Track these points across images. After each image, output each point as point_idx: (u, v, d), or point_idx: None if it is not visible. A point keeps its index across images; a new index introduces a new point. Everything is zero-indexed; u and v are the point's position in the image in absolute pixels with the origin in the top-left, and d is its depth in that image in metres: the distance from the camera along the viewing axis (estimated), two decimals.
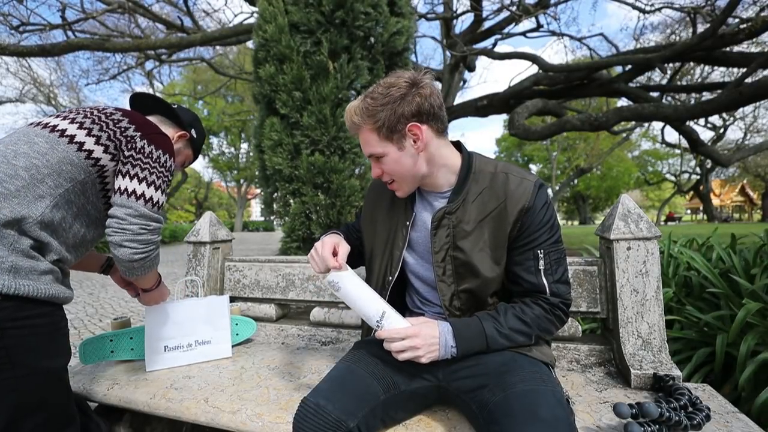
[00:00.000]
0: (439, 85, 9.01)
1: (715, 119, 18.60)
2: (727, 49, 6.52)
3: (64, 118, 1.03)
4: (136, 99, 1.27)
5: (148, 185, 1.03)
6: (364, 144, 0.99)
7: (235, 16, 10.06)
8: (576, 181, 32.97)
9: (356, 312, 0.99)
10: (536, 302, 0.97)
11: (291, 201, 2.89)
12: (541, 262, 0.96)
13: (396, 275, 1.08)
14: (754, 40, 6.88)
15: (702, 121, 16.94)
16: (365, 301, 0.97)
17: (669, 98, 10.65)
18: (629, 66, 7.25)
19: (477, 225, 0.98)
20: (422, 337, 0.91)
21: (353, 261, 1.19)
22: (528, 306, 0.97)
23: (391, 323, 0.94)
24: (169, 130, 1.24)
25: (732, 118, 19.32)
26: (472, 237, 0.98)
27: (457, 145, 1.07)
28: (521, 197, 0.95)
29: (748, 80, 5.72)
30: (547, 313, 0.96)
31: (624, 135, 15.76)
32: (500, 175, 0.99)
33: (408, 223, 1.07)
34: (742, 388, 1.50)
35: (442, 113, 0.97)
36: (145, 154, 1.04)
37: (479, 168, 1.01)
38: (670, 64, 8.09)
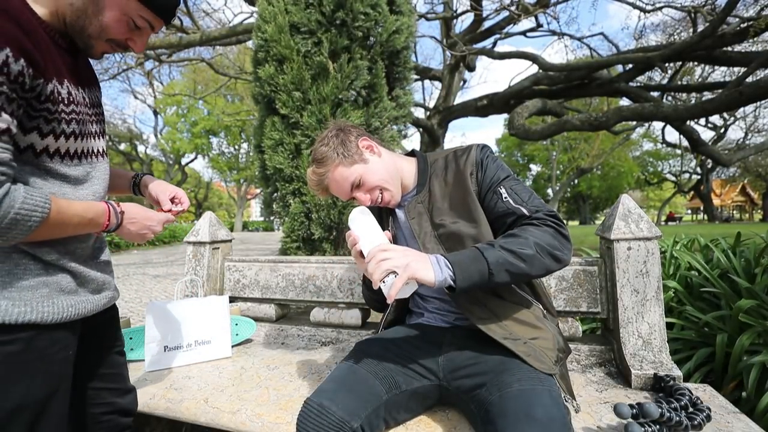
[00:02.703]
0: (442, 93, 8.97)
1: (715, 119, 18.62)
2: (728, 48, 6.52)
3: None
4: None
5: None
6: (339, 183, 1.08)
7: (235, 16, 10.08)
8: (577, 181, 32.95)
9: (368, 237, 0.94)
10: (521, 226, 0.95)
11: (291, 201, 2.88)
12: (507, 196, 1.02)
13: None
14: (755, 39, 6.88)
15: (702, 120, 16.96)
16: (380, 233, 0.96)
17: (669, 98, 10.65)
18: (630, 65, 7.25)
19: (446, 197, 1.09)
20: (413, 252, 0.88)
21: None
22: (516, 230, 0.94)
23: None
24: None
25: (733, 118, 19.32)
26: (446, 209, 1.08)
27: (411, 153, 1.22)
28: (470, 157, 1.09)
29: (749, 80, 5.72)
30: (537, 227, 0.93)
31: (624, 135, 15.74)
32: (450, 155, 1.15)
33: (391, 228, 1.16)
34: (730, 380, 1.50)
35: (369, 133, 1.17)
36: None
37: (433, 160, 1.17)
38: (671, 64, 8.09)
